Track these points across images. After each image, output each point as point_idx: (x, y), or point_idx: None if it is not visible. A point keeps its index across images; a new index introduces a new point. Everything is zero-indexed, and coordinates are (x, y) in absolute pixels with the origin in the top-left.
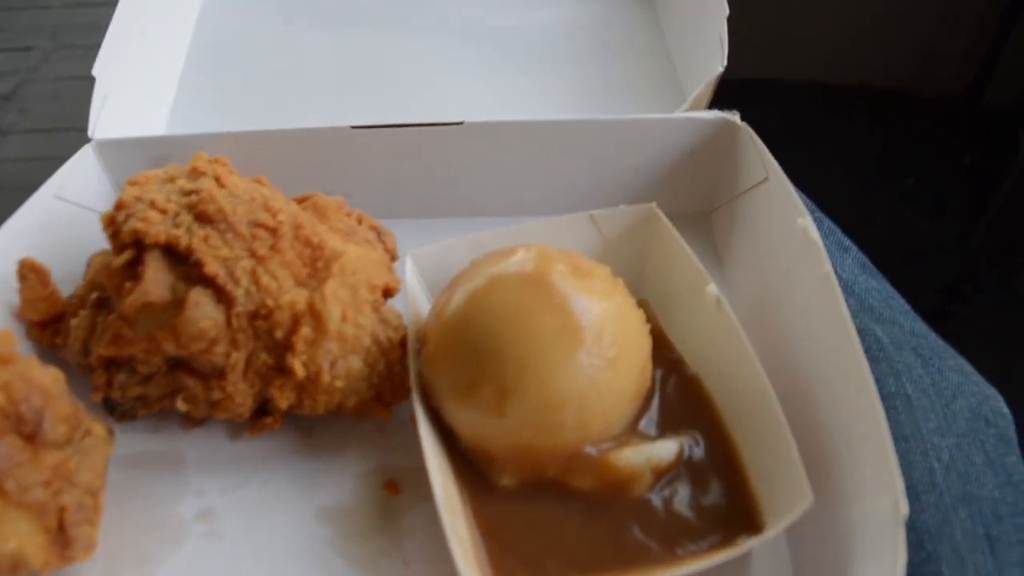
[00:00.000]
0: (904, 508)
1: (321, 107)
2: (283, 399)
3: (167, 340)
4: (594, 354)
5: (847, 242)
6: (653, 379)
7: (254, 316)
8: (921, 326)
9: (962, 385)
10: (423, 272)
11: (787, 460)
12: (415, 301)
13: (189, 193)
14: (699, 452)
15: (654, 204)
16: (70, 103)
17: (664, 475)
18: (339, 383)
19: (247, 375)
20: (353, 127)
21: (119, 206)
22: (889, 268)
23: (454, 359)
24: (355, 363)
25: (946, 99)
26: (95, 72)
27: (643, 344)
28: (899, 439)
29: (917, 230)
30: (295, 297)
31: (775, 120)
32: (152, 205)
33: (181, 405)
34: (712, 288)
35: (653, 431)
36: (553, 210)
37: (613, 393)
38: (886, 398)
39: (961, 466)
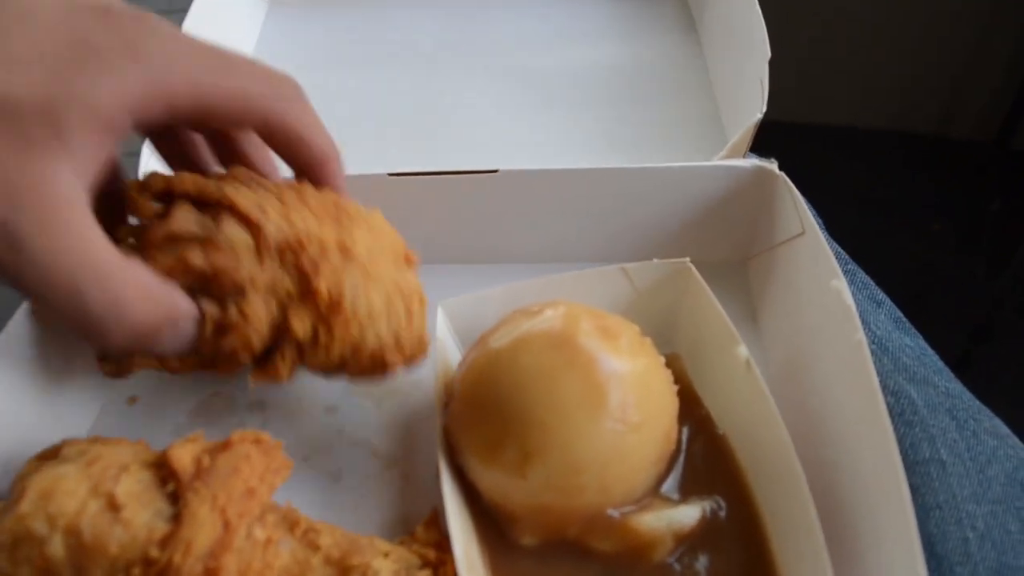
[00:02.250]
0: None
1: (360, 152)
2: (300, 326)
3: (196, 254)
4: (617, 419)
5: (880, 295)
6: (680, 438)
7: (283, 247)
8: (956, 386)
9: (997, 449)
10: (455, 322)
11: (808, 534)
12: (445, 352)
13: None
14: (722, 517)
15: (687, 259)
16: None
17: (685, 540)
18: (360, 314)
19: (267, 299)
20: (390, 174)
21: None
22: (916, 311)
23: (478, 419)
24: (376, 301)
25: (975, 145)
26: None
27: (668, 407)
28: (933, 507)
29: (944, 273)
30: (324, 234)
31: (806, 162)
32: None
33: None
34: (742, 350)
35: (677, 493)
36: (588, 257)
37: (636, 458)
38: (920, 464)
39: (996, 535)
